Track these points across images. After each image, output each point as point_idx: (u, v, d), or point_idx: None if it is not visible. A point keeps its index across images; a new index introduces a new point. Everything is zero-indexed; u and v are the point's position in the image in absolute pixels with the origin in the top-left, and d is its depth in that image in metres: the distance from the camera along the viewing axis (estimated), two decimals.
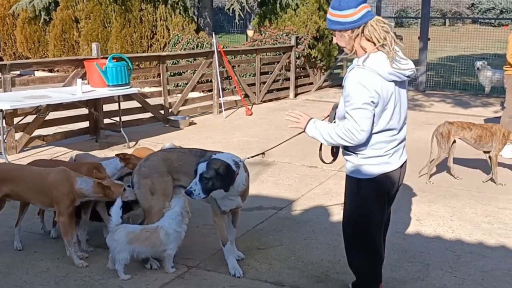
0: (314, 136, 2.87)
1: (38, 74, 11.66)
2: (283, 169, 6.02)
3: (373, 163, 2.85)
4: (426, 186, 5.47)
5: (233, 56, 9.75)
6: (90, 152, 5.78)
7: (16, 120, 6.44)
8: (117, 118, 7.19)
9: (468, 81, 12.41)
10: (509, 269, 3.73)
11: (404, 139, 2.96)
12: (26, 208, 3.92)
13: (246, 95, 9.83)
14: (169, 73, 8.81)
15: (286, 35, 10.74)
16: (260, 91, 10.13)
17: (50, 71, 12.42)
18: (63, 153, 6.51)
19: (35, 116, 6.62)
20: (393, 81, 2.75)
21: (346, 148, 2.91)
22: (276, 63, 10.40)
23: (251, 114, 9.15)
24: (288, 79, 10.77)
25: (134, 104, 7.77)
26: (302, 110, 10.01)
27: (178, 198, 3.56)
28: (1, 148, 6.03)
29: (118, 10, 11.51)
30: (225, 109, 9.03)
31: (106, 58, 6.84)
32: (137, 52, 11.27)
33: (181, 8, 11.65)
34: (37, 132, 6.80)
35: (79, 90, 6.32)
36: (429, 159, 5.71)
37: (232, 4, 11.29)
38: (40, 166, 3.89)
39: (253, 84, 10.01)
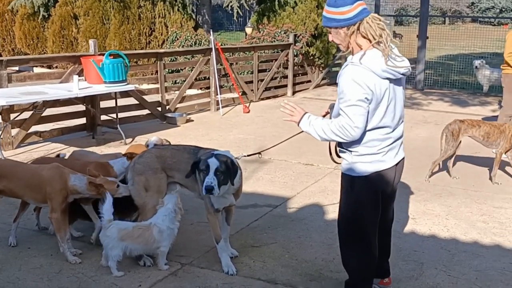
0: (307, 131, 2.87)
1: (37, 70, 11.64)
2: (279, 167, 6.01)
3: (366, 161, 2.85)
4: (422, 184, 5.46)
5: (231, 54, 9.73)
6: (87, 149, 5.76)
7: (12, 116, 6.42)
8: (114, 115, 7.18)
9: (466, 80, 12.40)
10: (503, 268, 3.73)
11: (400, 137, 2.95)
12: (27, 205, 3.90)
13: (244, 93, 9.81)
14: (166, 70, 8.78)
15: (284, 33, 10.73)
16: (257, 89, 10.12)
17: (49, 67, 12.39)
18: (60, 150, 6.48)
19: (31, 112, 6.60)
20: (387, 78, 2.74)
21: (340, 145, 2.91)
22: (274, 60, 10.39)
23: (248, 112, 9.14)
24: (286, 77, 10.76)
25: (131, 101, 7.76)
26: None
27: (171, 195, 3.56)
28: None
29: (116, 7, 11.48)
30: (222, 107, 9.02)
31: (103, 54, 6.83)
32: (136, 49, 11.25)
33: (179, 5, 11.63)
34: (34, 128, 6.79)
35: (76, 87, 6.31)
36: (437, 160, 5.73)
37: (230, 2, 11.27)
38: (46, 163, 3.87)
39: (251, 82, 9.99)
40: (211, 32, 9.12)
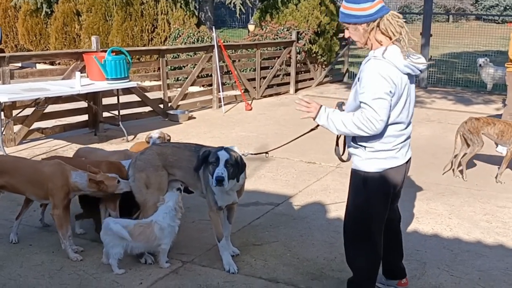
0: (324, 125, 2.84)
1: (39, 66, 11.66)
2: (281, 165, 5.99)
3: (381, 157, 2.84)
4: (425, 183, 5.43)
5: (233, 51, 9.70)
6: (90, 145, 5.75)
7: (14, 112, 6.41)
8: (116, 112, 7.17)
9: (470, 78, 12.34)
10: (506, 268, 3.70)
11: (410, 135, 2.97)
12: (31, 203, 3.88)
13: (246, 90, 9.79)
14: (169, 67, 8.78)
15: (287, 30, 10.69)
16: (260, 86, 10.09)
17: (52, 63, 12.40)
18: (62, 146, 6.50)
19: (34, 108, 6.60)
20: (407, 74, 2.78)
21: (354, 141, 2.88)
22: (276, 58, 10.35)
23: (250, 109, 9.12)
24: (288, 74, 10.73)
25: (133, 98, 7.74)
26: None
27: (172, 192, 3.54)
28: None
29: (119, 3, 11.47)
30: (224, 104, 9.00)
31: (106, 51, 6.81)
32: (138, 46, 11.23)
33: (182, 2, 11.60)
34: (36, 124, 6.78)
35: (78, 83, 6.30)
36: (452, 156, 5.74)
37: None
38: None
39: (253, 79, 9.97)
40: (214, 29, 9.09)
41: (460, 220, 4.56)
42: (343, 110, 2.99)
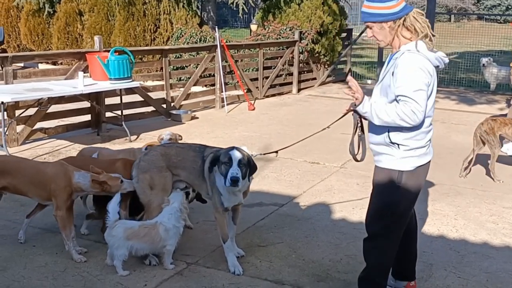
0: (367, 113, 2.77)
1: (42, 66, 11.64)
2: (284, 165, 5.96)
3: (415, 155, 2.86)
4: (429, 184, 5.39)
5: (236, 51, 9.68)
6: (94, 145, 5.72)
7: (17, 112, 6.39)
8: (119, 112, 7.15)
9: (473, 78, 12.31)
10: None
11: None
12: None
13: (249, 90, 9.76)
14: (171, 67, 8.75)
15: (290, 30, 10.66)
16: (263, 86, 10.06)
17: (54, 63, 12.38)
18: (65, 146, 6.47)
19: (36, 108, 6.58)
20: (436, 67, 2.82)
21: (387, 140, 2.85)
22: (279, 58, 10.32)
23: (253, 109, 9.09)
24: (291, 74, 10.70)
25: (136, 97, 7.72)
26: (304, 106, 9.91)
27: (177, 193, 3.52)
28: (2, 140, 5.99)
29: (121, 3, 11.45)
30: (227, 104, 8.97)
31: (109, 51, 6.79)
32: (140, 46, 11.21)
33: (184, 1, 11.58)
34: (39, 124, 6.76)
35: (81, 83, 6.27)
36: (467, 158, 5.70)
37: None
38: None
39: (256, 79, 9.94)
40: (217, 29, 9.07)
41: (466, 221, 4.53)
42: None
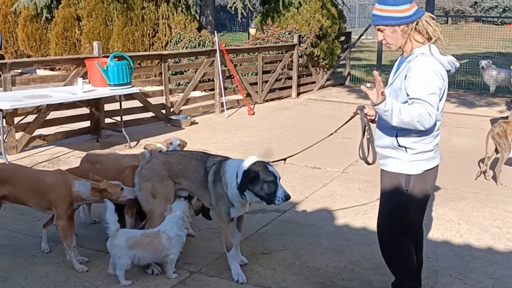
0: (387, 111, 2.62)
1: (40, 72, 11.60)
2: (286, 170, 5.92)
3: (423, 159, 2.84)
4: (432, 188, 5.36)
5: (235, 55, 9.65)
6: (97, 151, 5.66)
7: (16, 119, 6.35)
8: (118, 118, 7.11)
9: (472, 80, 12.31)
10: None
11: None
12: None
13: (248, 94, 9.73)
14: (170, 72, 8.71)
15: (289, 34, 10.65)
16: (262, 90, 10.04)
17: (52, 69, 12.34)
18: (64, 153, 6.43)
19: (35, 115, 6.53)
20: (447, 71, 2.80)
21: (395, 143, 2.82)
22: (278, 61, 10.31)
23: (253, 114, 9.06)
24: (290, 78, 10.68)
25: (136, 103, 7.68)
26: (304, 110, 9.85)
27: (179, 201, 3.48)
28: (1, 148, 5.95)
29: (120, 8, 11.41)
30: (227, 109, 8.95)
31: (108, 56, 6.75)
32: (139, 51, 11.18)
33: (183, 6, 11.55)
34: (38, 131, 6.71)
35: (80, 90, 6.23)
36: (485, 161, 5.70)
37: (234, 2, 11.17)
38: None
39: (255, 83, 9.92)
40: (216, 33, 9.04)
41: (470, 226, 4.50)
42: (365, 114, 3.00)
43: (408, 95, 2.69)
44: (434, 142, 2.85)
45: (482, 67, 11.12)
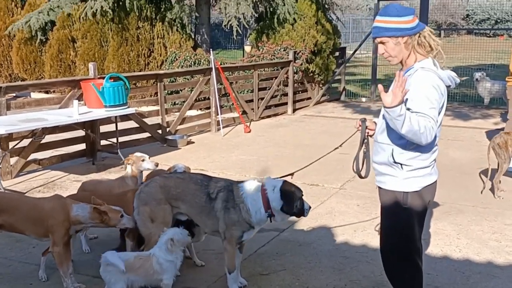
0: (400, 116, 2.51)
1: (34, 95, 11.59)
2: None
3: (419, 175, 2.80)
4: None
5: (230, 73, 9.69)
6: (89, 175, 5.64)
7: (11, 144, 6.31)
8: (114, 139, 7.09)
9: (466, 93, 12.37)
10: None
11: None
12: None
13: (244, 112, 9.75)
14: (166, 91, 8.73)
15: (284, 50, 10.72)
16: (258, 108, 10.06)
17: (47, 92, 12.34)
18: (60, 177, 6.39)
19: (30, 139, 6.50)
20: (447, 86, 2.78)
21: (391, 160, 2.80)
22: (274, 78, 10.35)
23: (249, 131, 9.06)
24: (286, 94, 10.71)
25: (131, 124, 7.67)
26: (300, 126, 9.81)
27: (173, 228, 3.39)
28: None
29: (115, 28, 11.48)
30: (223, 127, 8.95)
31: (103, 78, 6.76)
32: (134, 71, 11.21)
33: (178, 25, 11.62)
34: (33, 156, 6.67)
35: (76, 112, 6.22)
36: (489, 174, 5.67)
37: (229, 20, 11.25)
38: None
39: (251, 101, 9.94)
40: (211, 52, 9.09)
41: (469, 240, 4.48)
42: (367, 126, 2.99)
43: (408, 109, 2.64)
44: (431, 158, 2.82)
45: (476, 79, 11.19)
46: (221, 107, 9.06)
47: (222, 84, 9.14)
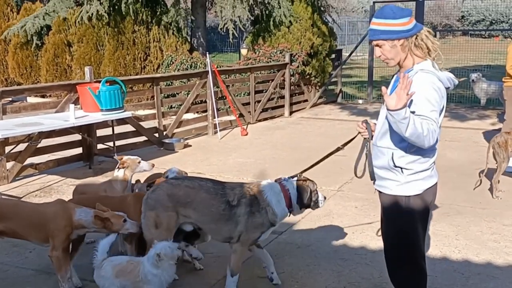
0: (405, 118, 2.47)
1: (30, 100, 11.55)
2: None
3: (420, 178, 2.79)
4: None
5: (227, 76, 9.69)
6: (86, 179, 5.62)
7: (7, 149, 6.28)
8: (111, 143, 7.06)
9: (462, 94, 12.41)
10: None
11: None
12: (81, 244, 3.70)
13: (241, 115, 9.74)
14: (163, 95, 8.71)
15: (280, 53, 10.72)
16: (255, 110, 10.06)
17: (43, 96, 12.31)
18: (56, 182, 6.36)
19: (27, 144, 6.47)
20: (446, 88, 2.76)
21: (391, 164, 2.78)
22: (270, 81, 10.35)
23: (246, 134, 9.05)
24: (282, 97, 10.72)
25: (128, 128, 7.65)
26: (297, 129, 9.82)
27: (164, 243, 3.27)
28: None
29: (110, 32, 11.46)
30: (220, 130, 8.93)
31: (99, 81, 6.74)
32: (131, 75, 11.19)
33: (174, 28, 11.61)
34: (29, 160, 6.63)
35: (72, 116, 6.20)
36: (485, 171, 5.68)
37: (225, 24, 11.26)
38: None
39: (248, 103, 9.93)
40: (208, 55, 9.08)
41: (467, 241, 4.47)
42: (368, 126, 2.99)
43: (412, 112, 2.61)
44: (431, 161, 2.81)
45: (473, 80, 11.22)
46: (217, 110, 9.05)
47: (218, 87, 9.13)
